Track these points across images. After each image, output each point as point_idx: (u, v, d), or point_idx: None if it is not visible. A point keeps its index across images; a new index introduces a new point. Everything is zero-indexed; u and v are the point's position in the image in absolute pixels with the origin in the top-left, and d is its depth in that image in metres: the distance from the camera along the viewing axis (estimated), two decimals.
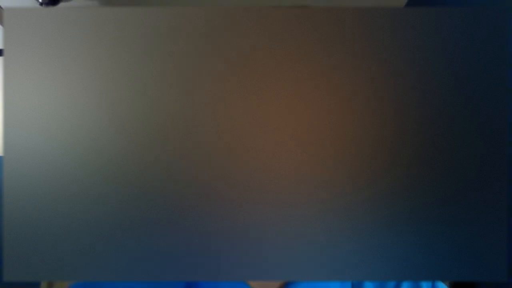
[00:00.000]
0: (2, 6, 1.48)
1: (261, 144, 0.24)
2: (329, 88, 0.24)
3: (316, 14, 0.24)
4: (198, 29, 0.24)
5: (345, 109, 0.24)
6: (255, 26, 0.24)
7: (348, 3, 1.51)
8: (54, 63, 0.24)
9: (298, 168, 0.24)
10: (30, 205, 0.24)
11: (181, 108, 0.24)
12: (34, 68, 0.24)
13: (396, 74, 0.24)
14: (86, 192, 0.24)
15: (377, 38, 0.24)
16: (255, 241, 0.24)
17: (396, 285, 0.32)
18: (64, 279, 0.24)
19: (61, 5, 1.46)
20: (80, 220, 0.24)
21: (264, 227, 0.24)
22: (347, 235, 0.24)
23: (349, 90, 0.24)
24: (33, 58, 0.24)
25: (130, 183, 0.24)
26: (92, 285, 0.32)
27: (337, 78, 0.24)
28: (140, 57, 0.24)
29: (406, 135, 0.24)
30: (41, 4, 1.42)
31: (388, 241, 0.24)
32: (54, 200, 0.24)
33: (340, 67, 0.24)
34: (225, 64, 0.24)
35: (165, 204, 0.24)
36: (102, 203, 0.24)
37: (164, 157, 0.24)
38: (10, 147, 0.24)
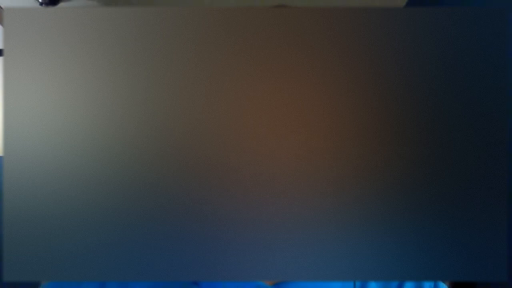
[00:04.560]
0: (2, 6, 1.48)
1: (262, 144, 0.24)
2: (328, 88, 0.24)
3: (316, 14, 0.24)
4: (198, 29, 0.24)
5: (345, 109, 0.24)
6: (257, 26, 0.24)
7: (349, 3, 1.51)
8: (54, 63, 0.24)
9: (300, 169, 0.24)
10: (30, 205, 0.24)
11: (182, 107, 0.24)
12: (34, 68, 0.24)
13: (395, 74, 0.24)
14: (87, 192, 0.24)
15: (377, 38, 0.24)
16: (256, 241, 0.24)
17: (399, 285, 0.33)
18: (64, 279, 0.24)
19: (61, 5, 1.46)
20: (81, 220, 0.24)
21: (265, 227, 0.24)
22: (347, 235, 0.24)
23: (349, 90, 0.24)
24: (33, 58, 0.24)
25: (132, 182, 0.24)
26: (65, 285, 0.32)
27: (337, 78, 0.24)
28: (140, 57, 0.24)
29: (407, 135, 0.24)
30: (41, 4, 1.42)
31: (388, 241, 0.24)
32: (54, 200, 0.24)
33: (340, 67, 0.24)
34: (225, 63, 0.24)
35: (166, 204, 0.24)
36: (103, 203, 0.24)
37: (166, 157, 0.24)
38: (10, 147, 0.24)
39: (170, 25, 0.24)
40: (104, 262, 0.24)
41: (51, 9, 0.25)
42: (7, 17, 0.24)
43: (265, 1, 1.51)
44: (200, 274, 0.24)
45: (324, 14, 0.24)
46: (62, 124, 0.24)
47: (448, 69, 0.24)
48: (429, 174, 0.24)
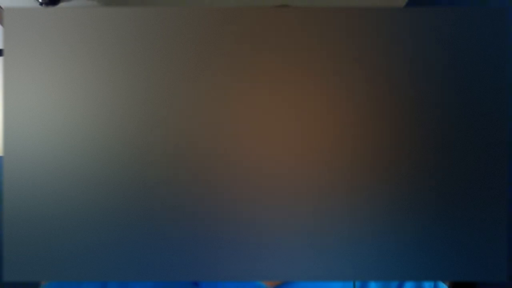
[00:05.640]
0: (2, 6, 1.48)
1: (262, 144, 0.24)
2: (328, 89, 0.24)
3: (316, 15, 0.24)
4: (198, 29, 0.24)
5: (345, 109, 0.24)
6: (257, 26, 0.24)
7: (349, 3, 1.51)
8: (54, 63, 0.24)
9: (299, 169, 0.24)
10: (30, 205, 0.24)
11: (182, 106, 0.24)
12: (34, 68, 0.24)
13: (396, 74, 0.24)
14: (87, 192, 0.24)
15: (377, 39, 0.24)
16: (256, 241, 0.24)
17: (399, 285, 0.33)
18: (64, 279, 0.24)
19: (61, 5, 1.46)
20: (81, 220, 0.24)
21: (265, 227, 0.24)
22: (347, 235, 0.24)
23: (349, 90, 0.24)
24: (33, 58, 0.24)
25: (131, 183, 0.24)
26: (65, 285, 0.32)
27: (337, 79, 0.24)
28: (140, 57, 0.24)
29: (407, 135, 0.24)
30: (41, 4, 1.42)
31: (389, 241, 0.24)
32: (54, 200, 0.24)
33: (340, 68, 0.24)
34: (225, 63, 0.24)
35: (166, 204, 0.24)
36: (103, 203, 0.24)
37: (166, 157, 0.24)
38: (10, 147, 0.24)
39: (170, 25, 0.24)
40: (104, 262, 0.24)
41: (51, 9, 0.25)
42: (7, 17, 0.24)
43: (266, 1, 1.51)
44: (200, 274, 0.24)
45: (325, 14, 0.24)
46: (62, 124, 0.24)
47: (448, 69, 0.24)
48: (429, 174, 0.24)
